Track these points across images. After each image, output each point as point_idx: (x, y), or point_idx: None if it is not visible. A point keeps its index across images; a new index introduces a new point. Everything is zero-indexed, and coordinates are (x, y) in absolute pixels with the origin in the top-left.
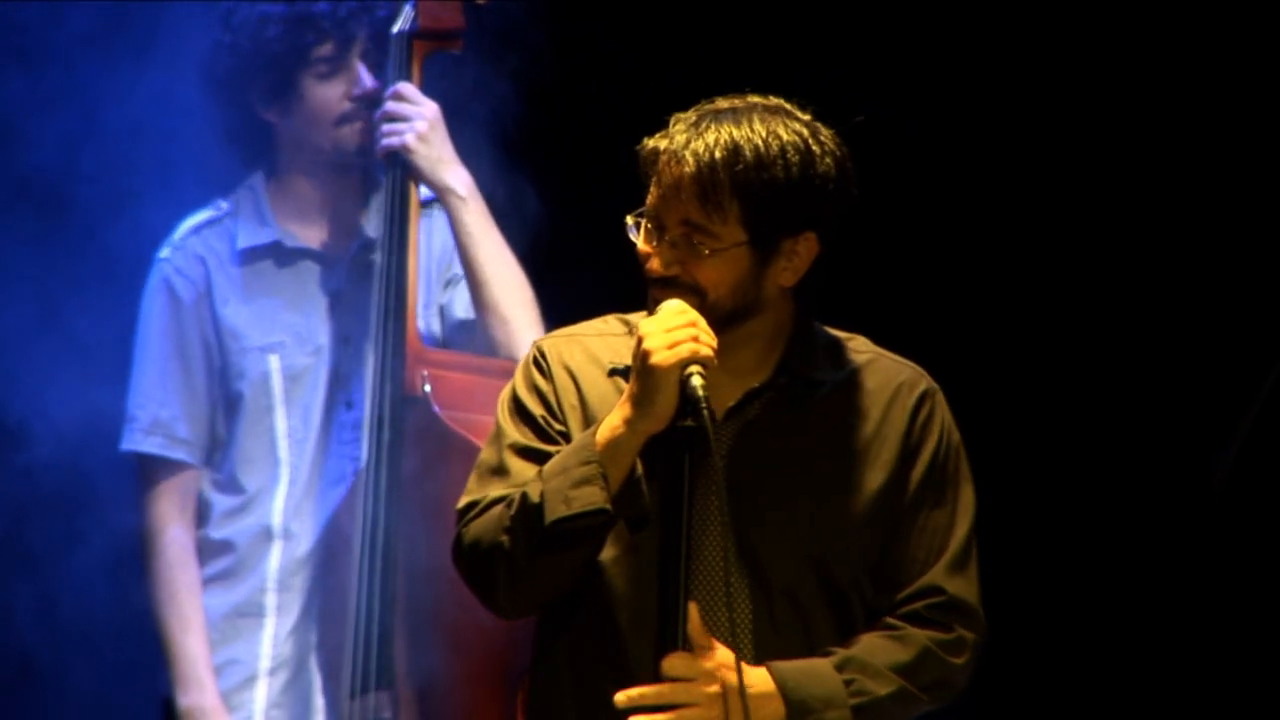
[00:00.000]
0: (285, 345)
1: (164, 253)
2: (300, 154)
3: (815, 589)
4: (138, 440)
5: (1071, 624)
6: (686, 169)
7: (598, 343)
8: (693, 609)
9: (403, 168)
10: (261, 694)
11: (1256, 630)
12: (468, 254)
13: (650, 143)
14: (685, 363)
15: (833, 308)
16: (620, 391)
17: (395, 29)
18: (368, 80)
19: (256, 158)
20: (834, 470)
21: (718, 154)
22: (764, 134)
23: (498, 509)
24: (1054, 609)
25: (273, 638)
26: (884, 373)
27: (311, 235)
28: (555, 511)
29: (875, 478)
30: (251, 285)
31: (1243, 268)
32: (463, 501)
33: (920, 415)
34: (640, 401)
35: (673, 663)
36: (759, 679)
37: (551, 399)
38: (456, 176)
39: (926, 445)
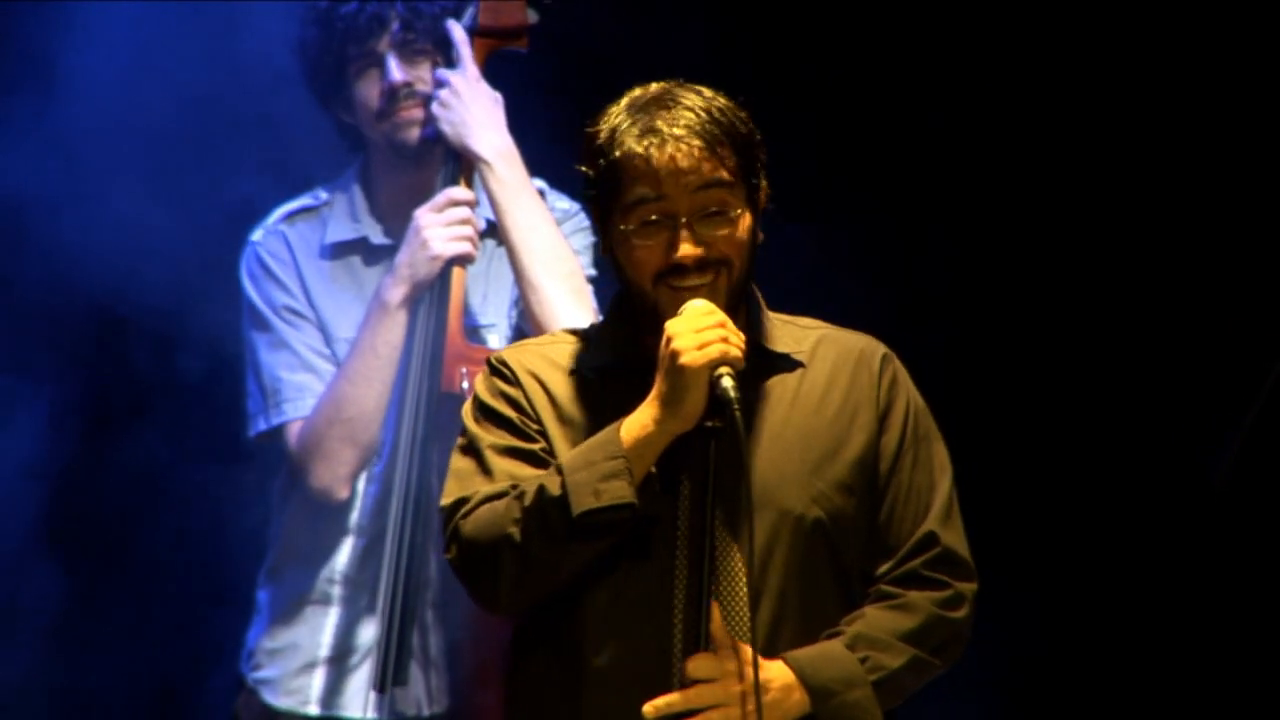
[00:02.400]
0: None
1: (256, 235)
2: (375, 150)
3: (821, 562)
4: (284, 413)
5: (1071, 622)
6: (689, 141)
7: (552, 349)
8: (715, 609)
9: (454, 158)
10: (319, 681)
11: (1256, 630)
12: (499, 221)
13: (615, 148)
14: (715, 364)
15: (834, 305)
16: (589, 390)
17: (461, 25)
18: (395, 74)
19: (354, 152)
20: (820, 441)
21: (703, 119)
22: (708, 100)
23: (500, 503)
24: (1054, 608)
25: (335, 627)
26: (840, 343)
27: (397, 231)
28: (584, 503)
29: (857, 442)
30: (339, 279)
31: (1242, 268)
32: (449, 499)
33: (885, 379)
34: (669, 401)
35: (698, 664)
36: (778, 672)
37: (522, 401)
38: (484, 142)
39: (895, 407)
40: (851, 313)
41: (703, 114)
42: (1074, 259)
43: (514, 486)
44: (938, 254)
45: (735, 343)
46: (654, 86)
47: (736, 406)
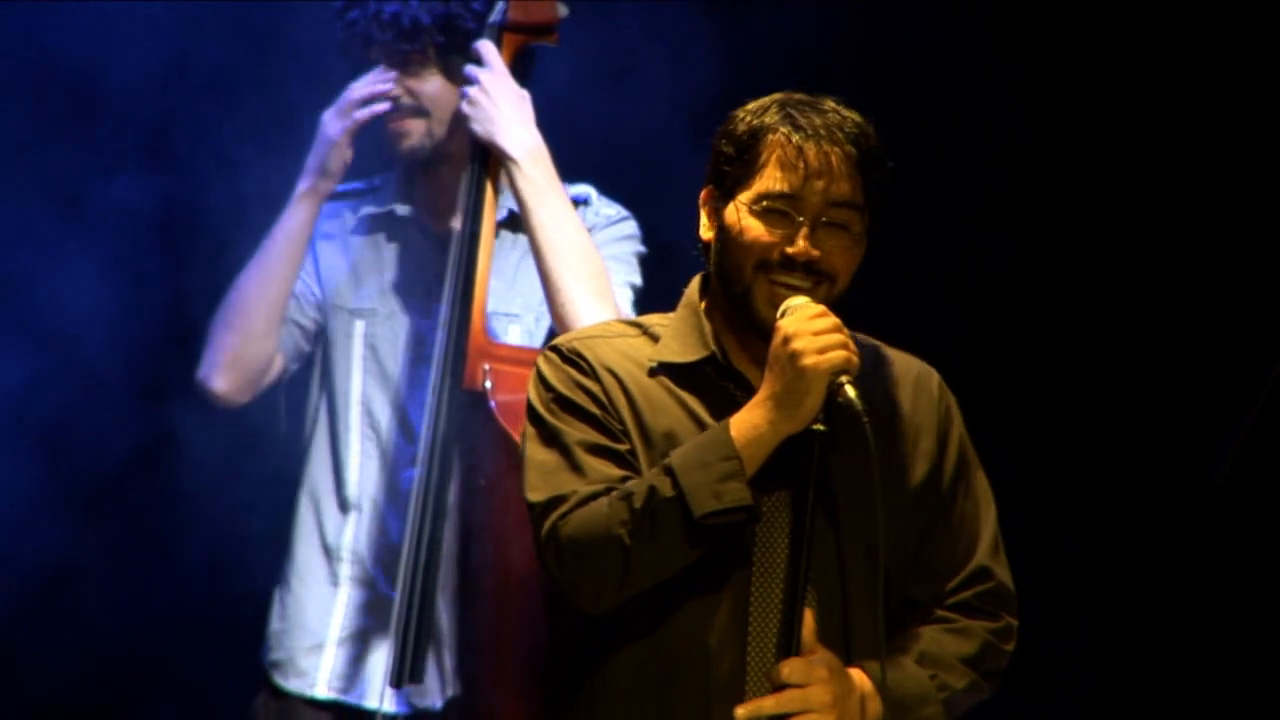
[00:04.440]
0: (374, 314)
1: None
2: None
3: (868, 582)
4: None
5: (1071, 622)
6: (844, 147)
7: (621, 343)
8: (808, 615)
9: (481, 158)
10: (327, 663)
11: (1256, 629)
12: (525, 219)
13: (768, 131)
14: (838, 370)
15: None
16: (665, 390)
17: (489, 20)
18: (379, 86)
19: None
20: (889, 462)
21: (857, 133)
22: (862, 122)
23: (602, 503)
24: (1054, 608)
25: (344, 608)
26: (897, 363)
27: (430, 214)
28: (706, 505)
29: (921, 467)
30: (361, 252)
31: (1242, 268)
32: (540, 496)
33: (944, 404)
34: (786, 403)
35: (791, 668)
36: (858, 681)
37: (602, 397)
38: (511, 139)
39: (952, 434)
40: (853, 312)
41: (856, 129)
42: (1074, 260)
43: (614, 487)
44: (938, 254)
45: (854, 349)
46: (803, 95)
47: (867, 419)
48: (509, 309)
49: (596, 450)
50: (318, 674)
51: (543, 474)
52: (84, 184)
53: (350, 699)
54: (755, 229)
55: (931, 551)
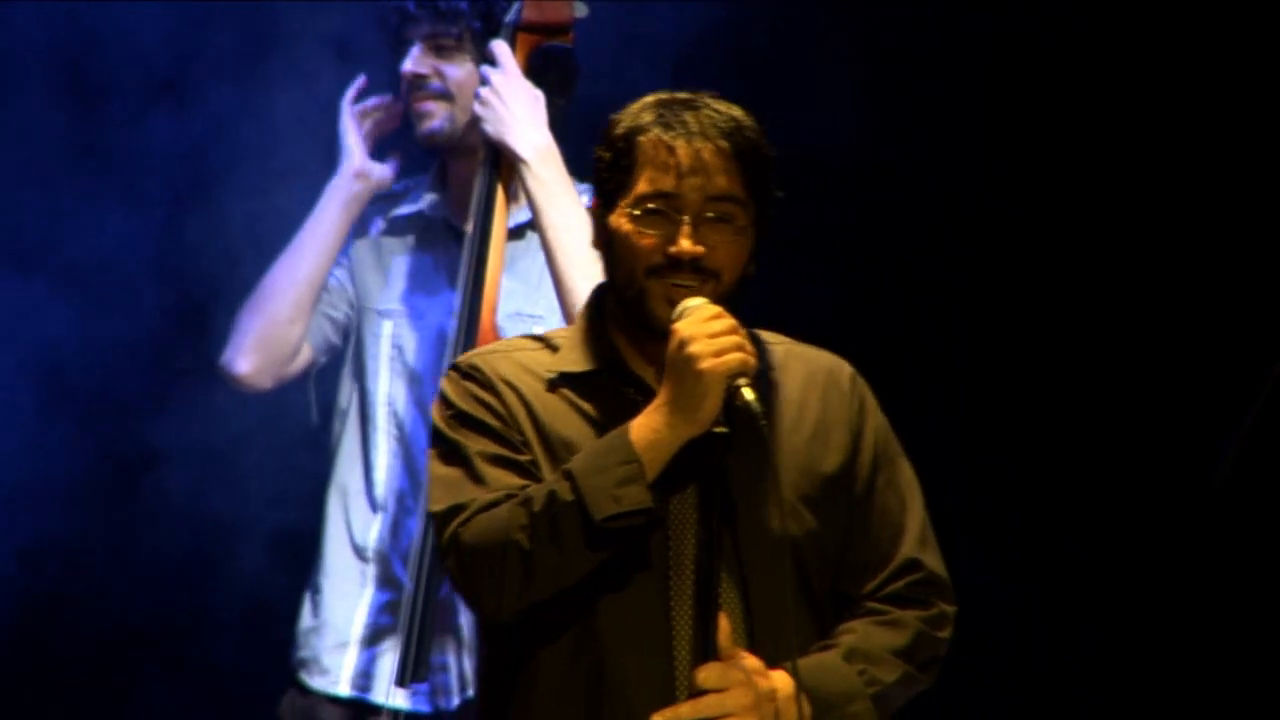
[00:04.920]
0: (399, 315)
1: None
2: None
3: (790, 579)
4: None
5: (1072, 623)
6: (715, 142)
7: (520, 355)
8: (723, 619)
9: (493, 158)
10: (350, 661)
11: (1256, 629)
12: (536, 220)
13: (639, 134)
14: (734, 372)
15: (838, 305)
16: (566, 400)
17: (504, 20)
18: (407, 63)
19: None
20: (796, 460)
21: (731, 126)
22: (740, 112)
23: (502, 509)
24: (1054, 608)
25: (368, 608)
26: (808, 359)
27: (457, 212)
28: (604, 509)
29: (834, 460)
30: (393, 251)
31: (1242, 268)
32: (441, 505)
33: (857, 398)
34: (685, 407)
35: (707, 674)
36: (782, 682)
37: (501, 410)
38: (522, 139)
39: (867, 427)
40: (853, 314)
41: (731, 123)
42: (1074, 259)
43: (514, 493)
44: (938, 253)
45: (750, 350)
46: (682, 94)
47: (765, 421)
48: (533, 310)
49: (497, 461)
50: (340, 672)
51: (444, 486)
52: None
53: (371, 697)
54: (638, 233)
55: (858, 545)
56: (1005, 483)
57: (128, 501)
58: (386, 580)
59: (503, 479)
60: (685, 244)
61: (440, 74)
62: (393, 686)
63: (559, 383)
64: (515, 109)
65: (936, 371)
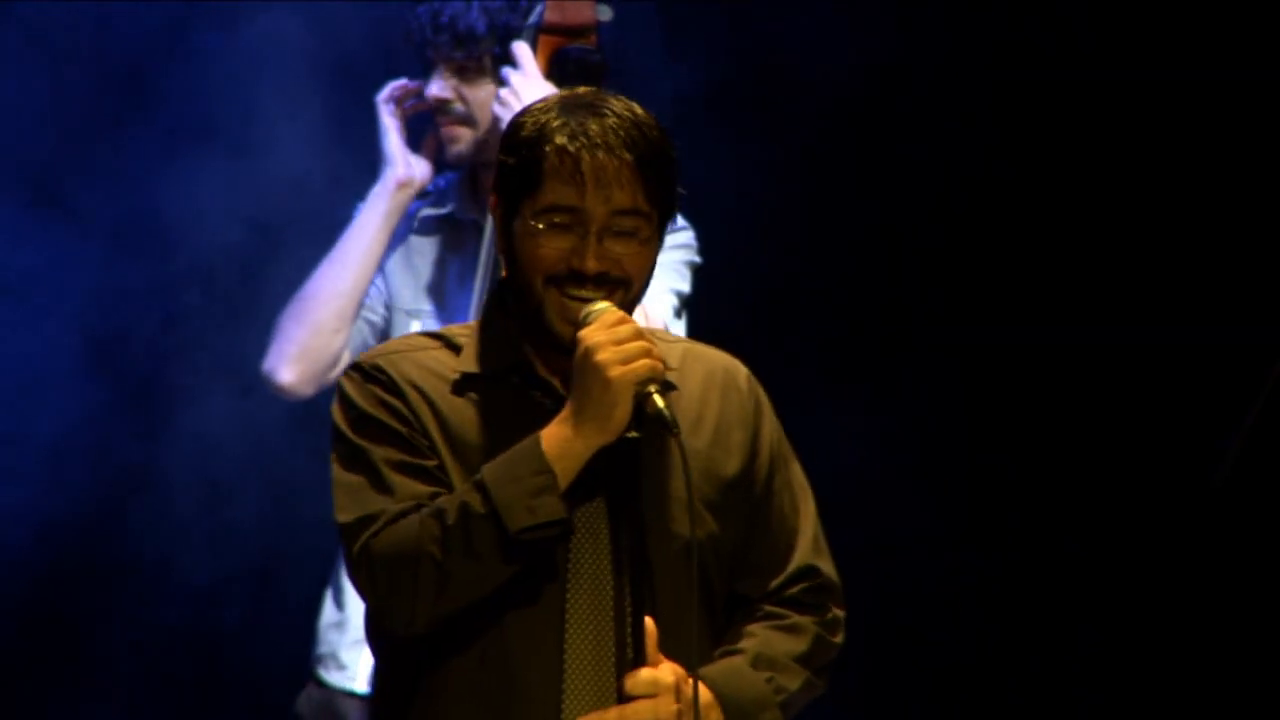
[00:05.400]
0: (426, 314)
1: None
2: None
3: (690, 583)
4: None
5: (1072, 623)
6: (620, 155)
7: (423, 356)
8: (650, 624)
9: None
10: (368, 658)
11: (1256, 630)
12: None
13: (544, 143)
14: (644, 380)
15: (832, 306)
16: (471, 402)
17: (527, 22)
18: (431, 88)
19: None
20: (698, 462)
21: (634, 136)
22: (642, 114)
23: (412, 520)
24: (1054, 608)
25: None
26: (704, 360)
27: (484, 218)
28: (520, 521)
29: (734, 461)
30: (423, 252)
31: (1243, 268)
32: (349, 517)
33: (753, 398)
34: (595, 416)
35: (636, 679)
36: (700, 690)
37: (407, 413)
38: None
39: (764, 428)
40: (852, 314)
41: (635, 131)
42: (1074, 259)
43: (423, 504)
44: (939, 253)
45: (658, 355)
46: (583, 90)
47: (678, 429)
48: None
49: (403, 468)
50: (358, 668)
51: (350, 494)
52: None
53: None
54: (541, 244)
55: (755, 548)
56: (1005, 483)
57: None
58: None
59: (410, 487)
60: (591, 263)
61: (463, 98)
62: None
63: (464, 385)
64: None
65: (936, 371)
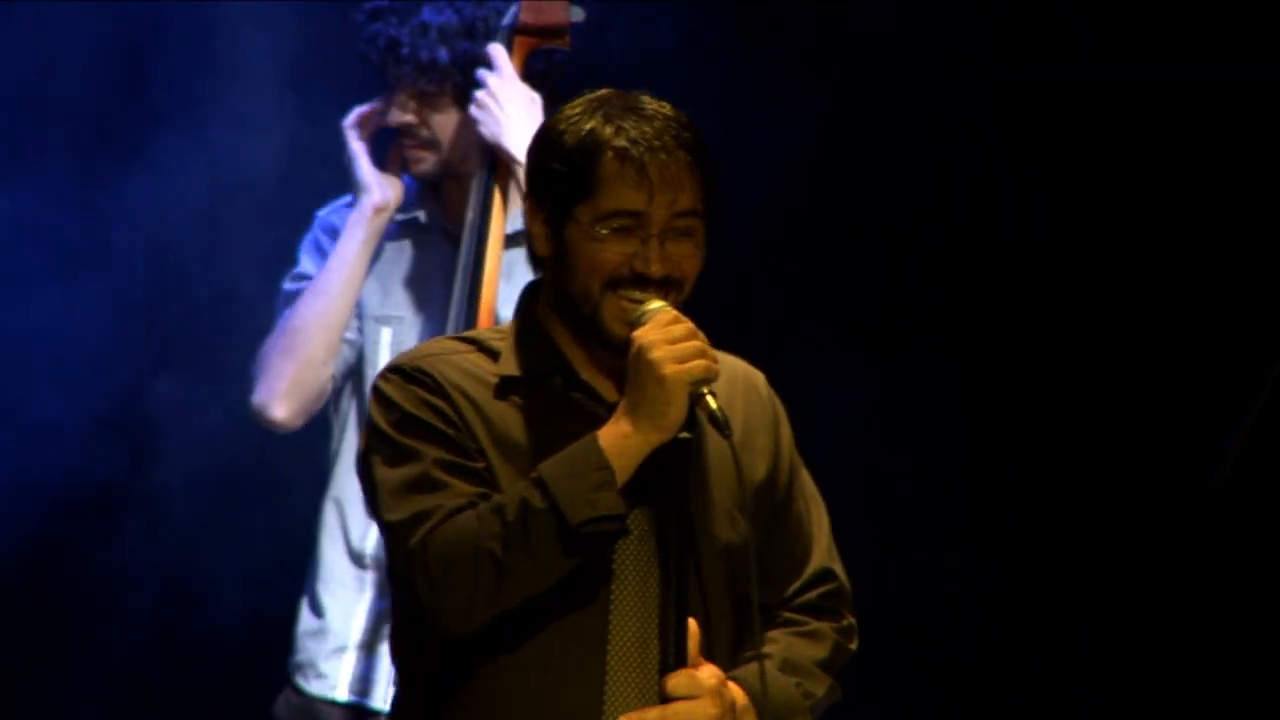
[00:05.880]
0: (401, 321)
1: (322, 211)
2: None
3: (724, 586)
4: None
5: (1072, 623)
6: (678, 155)
7: (460, 359)
8: (693, 625)
9: (490, 161)
10: (348, 666)
11: (1256, 630)
12: None
13: (599, 151)
14: (698, 379)
15: (837, 305)
16: (514, 406)
17: (501, 24)
18: (395, 114)
19: None
20: (729, 465)
21: (687, 136)
22: (678, 115)
23: (470, 516)
24: (1054, 608)
25: (366, 612)
26: (726, 365)
27: (454, 221)
28: (581, 514)
29: (761, 466)
30: (388, 258)
31: (1242, 268)
32: (401, 514)
33: (773, 403)
34: (650, 414)
35: (677, 681)
36: (739, 693)
37: (453, 415)
38: (518, 142)
39: (783, 433)
40: (851, 313)
41: (685, 131)
42: (1074, 259)
43: (478, 501)
44: (937, 252)
45: (712, 355)
46: (608, 91)
47: (730, 430)
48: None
49: (453, 468)
50: (338, 676)
51: (399, 493)
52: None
53: (370, 703)
54: (602, 249)
55: (774, 552)
56: (1005, 483)
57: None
58: (386, 587)
59: (460, 487)
60: (655, 266)
61: (426, 123)
62: (392, 688)
63: (505, 388)
64: (511, 112)
65: (936, 371)
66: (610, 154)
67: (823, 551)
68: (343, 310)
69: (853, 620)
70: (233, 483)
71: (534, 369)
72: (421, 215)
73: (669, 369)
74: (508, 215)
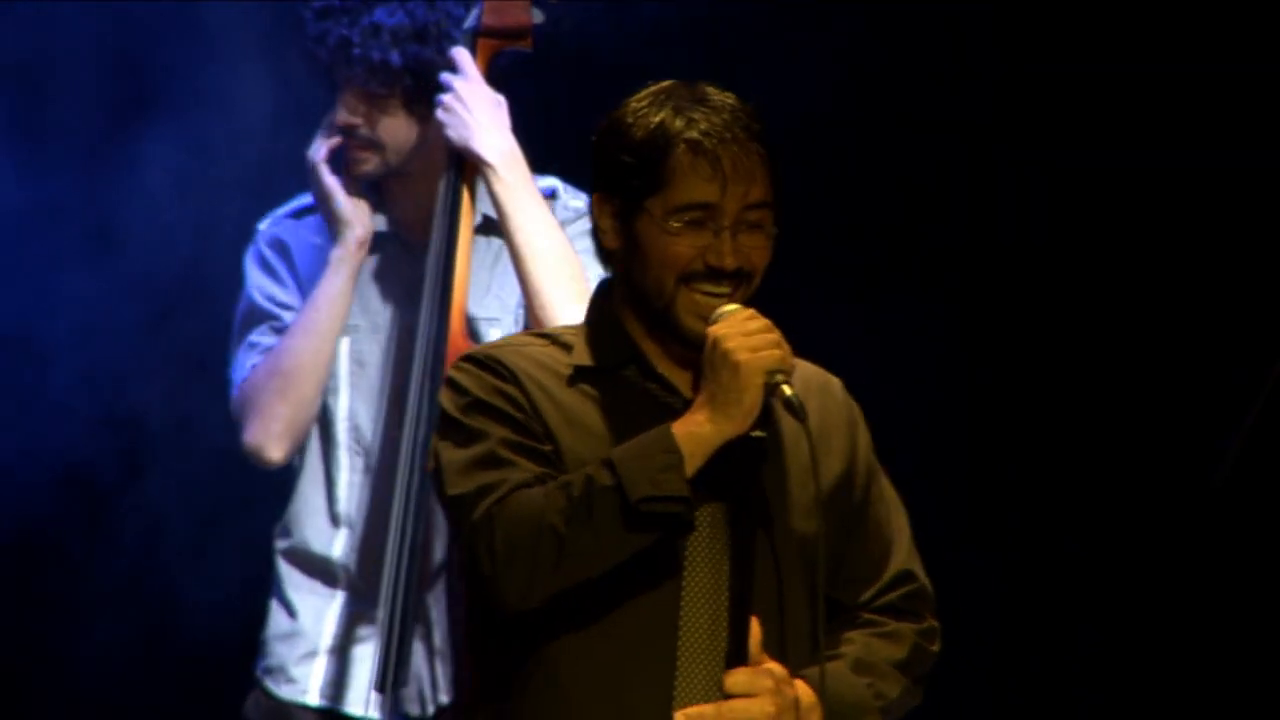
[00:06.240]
0: (359, 330)
1: (262, 225)
2: None
3: (802, 581)
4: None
5: (1072, 623)
6: (749, 147)
7: (534, 351)
8: (755, 624)
9: (457, 164)
10: (318, 671)
11: (1257, 629)
12: (503, 225)
13: (671, 145)
14: (773, 369)
15: (836, 305)
16: (586, 396)
17: (464, 26)
18: (340, 114)
19: None
20: (805, 461)
21: (754, 125)
22: (745, 106)
23: (536, 491)
24: (1054, 608)
25: (337, 617)
26: (800, 369)
27: (405, 227)
28: (642, 491)
29: (836, 467)
30: None
31: (1242, 268)
32: (465, 487)
33: (849, 407)
34: (725, 403)
35: (735, 678)
36: (803, 692)
37: (523, 401)
38: (487, 144)
39: (860, 436)
40: (850, 313)
41: (753, 121)
42: (1073, 259)
43: (544, 478)
44: (935, 251)
45: (787, 348)
46: (672, 83)
47: (806, 416)
48: (487, 313)
49: (519, 448)
50: (309, 681)
51: (464, 470)
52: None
53: (342, 708)
54: (675, 242)
55: (854, 554)
56: (1005, 483)
57: None
58: (355, 592)
59: (527, 465)
60: (729, 259)
61: (373, 125)
62: (373, 692)
63: (578, 378)
64: (479, 115)
65: (935, 371)
66: (683, 146)
67: (903, 554)
68: (332, 347)
69: (935, 623)
70: (227, 484)
71: (608, 359)
72: (383, 223)
73: (743, 355)
74: (474, 216)
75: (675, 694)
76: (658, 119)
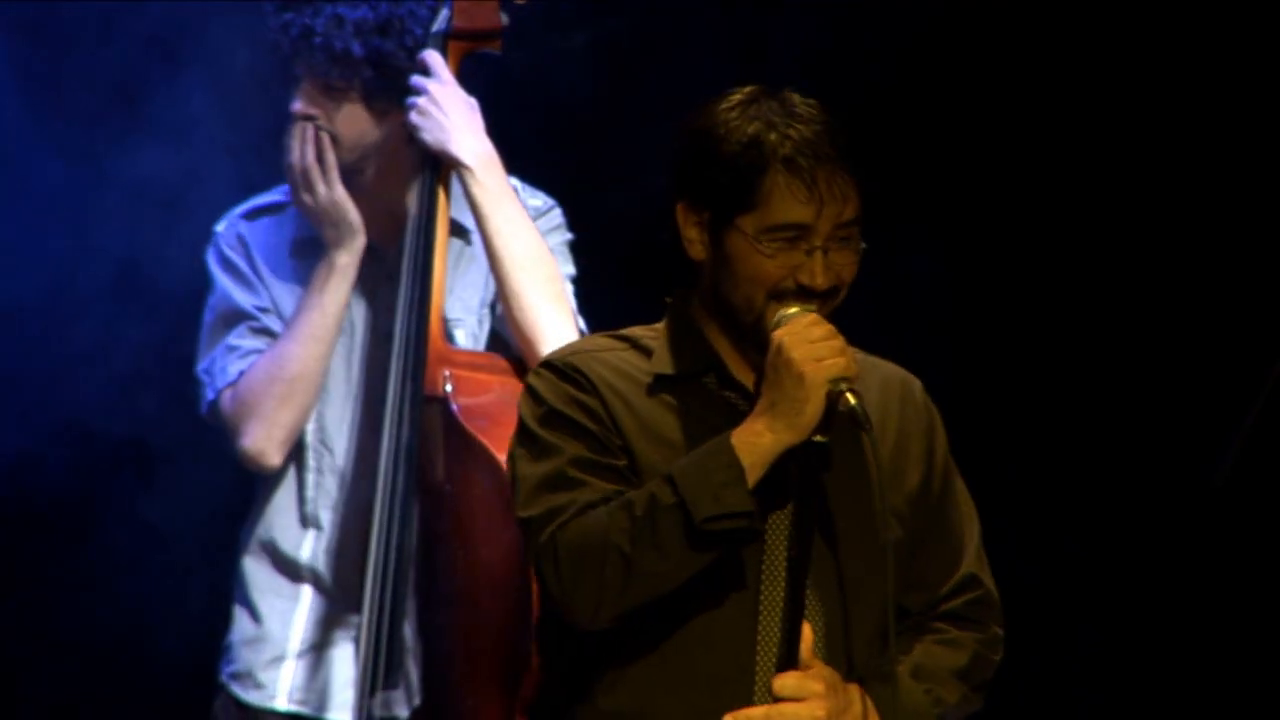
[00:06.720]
0: None
1: (220, 226)
2: None
3: (870, 589)
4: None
5: (1072, 623)
6: (841, 165)
7: (612, 356)
8: (806, 629)
9: (432, 167)
10: (287, 675)
11: (1256, 629)
12: (480, 227)
13: (766, 161)
14: (836, 377)
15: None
16: (665, 404)
17: (434, 29)
18: (298, 104)
19: None
20: (886, 468)
21: (842, 139)
22: (834, 118)
23: (600, 511)
24: (1054, 608)
25: (304, 621)
26: (879, 370)
27: (369, 229)
28: (706, 509)
29: (914, 472)
30: (300, 273)
31: (1242, 268)
32: (536, 509)
33: (928, 412)
34: (786, 412)
35: (784, 682)
36: (856, 697)
37: (601, 413)
38: (464, 147)
39: (938, 440)
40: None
41: (841, 135)
42: (1074, 259)
43: (610, 496)
44: (936, 251)
45: (851, 356)
46: (756, 89)
47: (870, 426)
48: (451, 314)
49: (592, 466)
50: (278, 686)
51: (535, 489)
52: None
53: (310, 711)
54: (767, 260)
55: (924, 559)
56: (1005, 483)
57: None
58: (325, 594)
59: (597, 484)
60: (820, 279)
61: (329, 116)
62: (356, 698)
63: (657, 386)
64: (454, 117)
65: (935, 371)
66: (778, 165)
67: (971, 560)
68: (332, 353)
69: (999, 631)
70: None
71: (687, 367)
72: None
73: (808, 366)
74: (449, 216)
75: (754, 702)
76: (750, 131)
